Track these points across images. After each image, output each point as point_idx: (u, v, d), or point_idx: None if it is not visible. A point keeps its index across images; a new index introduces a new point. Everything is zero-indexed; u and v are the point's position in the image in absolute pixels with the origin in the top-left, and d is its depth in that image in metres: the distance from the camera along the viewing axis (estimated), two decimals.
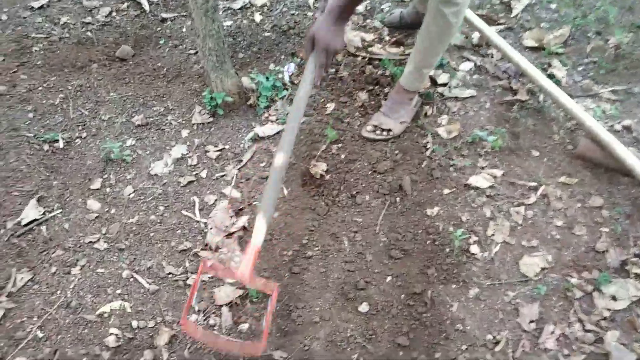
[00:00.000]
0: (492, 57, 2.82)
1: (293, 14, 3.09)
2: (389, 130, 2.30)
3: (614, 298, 1.80)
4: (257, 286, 1.46)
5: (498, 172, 2.20)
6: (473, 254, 1.95)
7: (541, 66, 2.73)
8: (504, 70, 2.72)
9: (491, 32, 2.61)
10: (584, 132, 2.30)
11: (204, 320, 1.77)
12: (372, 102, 2.49)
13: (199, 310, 1.79)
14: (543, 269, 1.91)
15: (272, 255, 1.96)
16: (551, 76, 2.65)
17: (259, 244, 1.45)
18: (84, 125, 2.40)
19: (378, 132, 2.31)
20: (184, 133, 2.39)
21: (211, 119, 2.45)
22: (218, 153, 2.30)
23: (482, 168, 2.23)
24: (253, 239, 1.45)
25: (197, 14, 2.21)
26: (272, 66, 2.72)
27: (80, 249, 1.97)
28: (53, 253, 1.95)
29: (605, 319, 1.77)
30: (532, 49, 2.86)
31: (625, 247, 1.94)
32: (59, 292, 1.85)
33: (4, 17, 2.95)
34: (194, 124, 2.44)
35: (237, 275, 1.43)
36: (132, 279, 1.90)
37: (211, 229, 2.02)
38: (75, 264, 1.93)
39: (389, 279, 1.90)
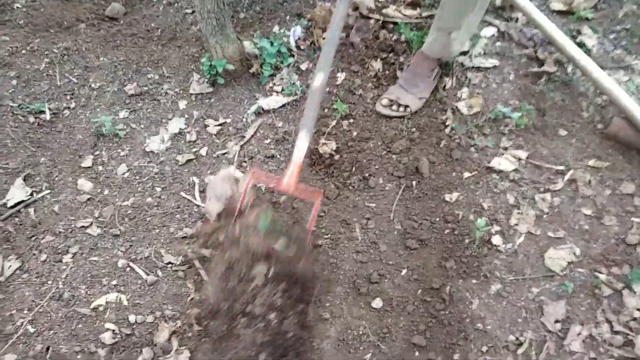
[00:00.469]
0: (516, 21, 2.58)
1: None
2: (407, 106, 2.11)
3: None
4: (302, 193, 1.55)
5: (523, 154, 2.03)
6: (495, 245, 1.81)
7: (570, 33, 2.51)
8: (529, 38, 2.50)
9: None
10: (616, 110, 2.12)
11: None
12: (387, 72, 2.28)
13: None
14: (570, 263, 1.78)
15: None
16: (580, 45, 2.43)
17: (301, 159, 1.53)
18: (73, 94, 2.20)
19: (394, 107, 2.12)
20: (181, 104, 2.20)
21: (211, 89, 2.25)
22: (219, 128, 2.12)
23: (506, 149, 2.06)
24: (295, 154, 1.53)
25: None
26: (276, 29, 2.48)
27: (71, 234, 1.82)
28: (42, 239, 1.80)
29: (635, 319, 1.65)
30: (560, 13, 2.62)
31: None
32: (50, 282, 1.72)
33: None
34: (192, 94, 2.24)
35: (282, 185, 1.52)
36: (128, 269, 1.76)
37: (209, 199, 1.84)
38: (67, 251, 1.79)
39: (404, 271, 1.77)
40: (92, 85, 2.24)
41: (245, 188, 1.61)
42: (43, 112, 2.11)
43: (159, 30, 2.49)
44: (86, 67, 2.30)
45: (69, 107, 2.16)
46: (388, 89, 2.19)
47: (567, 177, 1.97)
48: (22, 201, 1.87)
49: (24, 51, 2.33)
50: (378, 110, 2.14)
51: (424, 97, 2.14)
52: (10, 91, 2.17)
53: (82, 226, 1.84)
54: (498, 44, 2.44)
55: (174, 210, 1.90)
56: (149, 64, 2.34)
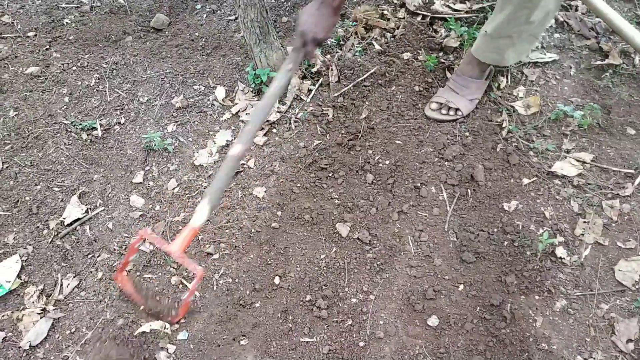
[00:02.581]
0: (576, 10, 2.41)
1: None
2: (457, 109, 2.01)
3: None
4: (185, 263, 1.49)
5: (587, 157, 1.90)
6: (559, 257, 1.70)
7: (636, 19, 2.32)
8: (590, 27, 2.32)
9: None
10: None
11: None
12: (437, 73, 2.18)
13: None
14: None
15: (321, 254, 1.78)
16: None
17: (197, 226, 1.46)
18: (122, 109, 2.23)
19: (444, 111, 2.02)
20: (227, 115, 2.19)
21: (256, 98, 2.22)
22: (266, 139, 2.09)
23: (568, 151, 1.92)
24: (192, 220, 1.46)
25: None
26: None
27: (125, 251, 1.85)
28: (98, 256, 1.84)
29: None
30: None
31: None
32: (106, 299, 1.75)
33: None
34: (237, 104, 2.22)
35: (168, 248, 1.46)
36: (181, 286, 1.77)
37: None
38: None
39: (461, 287, 1.69)
40: (141, 99, 2.26)
41: (131, 247, 1.58)
42: (95, 128, 2.16)
43: (203, 39, 2.49)
44: (134, 81, 2.33)
45: (119, 123, 2.19)
46: (437, 91, 2.10)
47: (637, 181, 1.83)
48: (79, 219, 1.91)
49: (74, 67, 2.39)
50: (427, 114, 2.05)
51: (476, 99, 2.03)
52: (63, 108, 2.23)
53: None
54: (556, 35, 2.29)
55: (223, 225, 1.90)
56: (194, 74, 2.34)
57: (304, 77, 2.21)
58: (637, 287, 1.63)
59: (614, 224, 1.76)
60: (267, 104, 1.50)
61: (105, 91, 2.30)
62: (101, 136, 2.14)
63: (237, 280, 1.75)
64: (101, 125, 2.17)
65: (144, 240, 1.73)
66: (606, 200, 1.80)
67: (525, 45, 1.86)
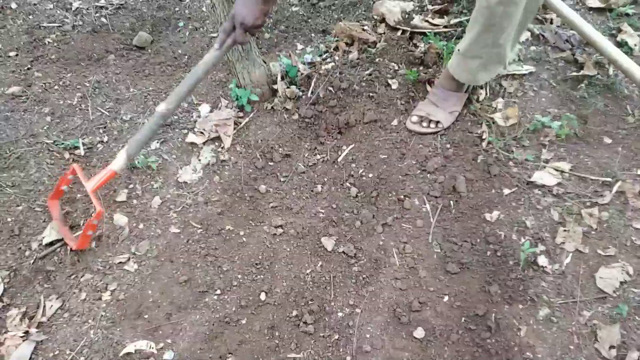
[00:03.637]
0: (551, 22, 2.47)
1: None
2: (437, 122, 2.04)
3: None
4: (93, 199, 1.73)
5: (565, 166, 1.94)
6: (541, 266, 1.73)
7: (609, 31, 2.38)
8: (566, 39, 2.39)
9: None
10: None
11: None
12: (418, 86, 2.22)
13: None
14: (623, 282, 1.68)
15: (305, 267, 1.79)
16: (621, 44, 2.31)
17: (114, 169, 1.71)
18: (105, 127, 2.23)
19: (425, 124, 2.05)
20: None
21: (241, 114, 2.23)
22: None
23: (547, 161, 1.96)
24: (112, 164, 1.72)
25: None
26: (299, 46, 2.46)
27: (109, 271, 1.83)
28: (82, 277, 1.82)
29: None
30: (598, 10, 2.51)
31: None
32: (90, 320, 1.73)
33: (14, 5, 2.74)
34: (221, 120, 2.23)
35: (86, 183, 1.74)
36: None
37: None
38: (106, 288, 1.80)
39: (446, 298, 1.70)
40: (124, 117, 2.26)
41: (62, 177, 1.88)
42: (77, 147, 2.15)
43: (186, 56, 2.50)
44: (117, 99, 2.33)
45: (102, 141, 2.18)
46: (418, 104, 2.13)
47: (614, 188, 1.87)
48: (61, 239, 1.89)
49: (56, 87, 2.38)
50: (409, 127, 2.07)
51: (455, 111, 2.06)
52: (45, 128, 2.22)
53: (120, 262, 1.85)
54: (533, 48, 2.34)
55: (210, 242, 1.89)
56: None
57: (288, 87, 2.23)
58: (617, 293, 1.66)
59: (593, 232, 1.79)
60: (194, 73, 1.69)
61: (87, 110, 2.29)
62: (84, 155, 2.13)
63: (222, 298, 1.75)
64: (84, 144, 2.16)
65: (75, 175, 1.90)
66: (585, 208, 1.84)
67: (496, 66, 1.90)
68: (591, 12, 2.50)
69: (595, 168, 1.94)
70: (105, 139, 2.19)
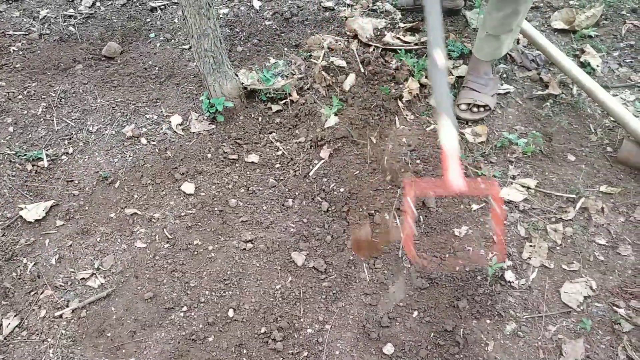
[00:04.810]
0: (517, 42, 2.54)
1: None
2: (485, 105, 2.15)
3: None
4: (478, 189, 1.33)
5: (532, 182, 1.98)
6: (508, 281, 1.75)
7: (573, 52, 2.46)
8: (532, 59, 2.46)
9: None
10: (625, 132, 2.06)
11: None
12: (390, 102, 2.24)
13: None
14: (586, 297, 1.71)
15: (271, 286, 1.77)
16: (584, 64, 2.39)
17: (456, 150, 1.29)
18: (70, 139, 2.17)
19: (474, 109, 2.17)
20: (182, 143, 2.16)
21: (212, 126, 2.21)
22: None
23: (514, 177, 2.00)
24: (446, 145, 1.29)
25: (189, 11, 1.94)
26: (272, 60, 2.46)
27: (71, 287, 1.77)
28: (42, 294, 1.76)
29: None
30: (562, 31, 2.59)
31: None
32: (49, 339, 1.66)
33: None
34: (193, 133, 2.21)
35: (449, 186, 1.24)
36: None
37: None
38: (67, 305, 1.73)
39: (415, 314, 1.70)
40: (90, 128, 2.21)
41: (409, 209, 1.45)
42: (40, 159, 2.08)
43: (157, 68, 2.47)
44: (84, 109, 2.28)
45: (67, 153, 2.13)
46: (459, 93, 2.22)
47: (578, 205, 1.91)
48: (14, 255, 1.82)
49: (20, 96, 2.31)
50: (461, 116, 2.18)
51: (495, 94, 2.21)
52: (7, 138, 2.15)
53: (83, 278, 1.79)
54: (501, 67, 2.40)
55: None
56: (147, 103, 2.31)
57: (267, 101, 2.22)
58: (581, 308, 1.70)
59: (558, 247, 1.83)
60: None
61: (52, 120, 2.23)
62: (47, 167, 2.07)
63: (189, 314, 1.71)
64: (47, 155, 2.10)
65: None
66: (550, 224, 1.87)
67: (514, 36, 2.11)
68: (556, 33, 2.58)
69: (559, 184, 1.98)
70: (71, 150, 2.14)
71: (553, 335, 1.65)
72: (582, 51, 2.45)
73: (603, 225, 1.87)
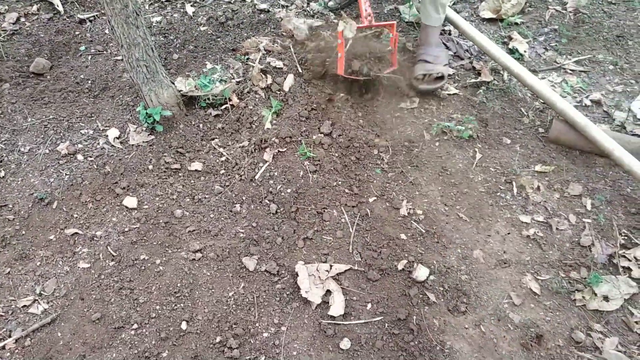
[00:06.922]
0: (450, 34, 2.62)
1: (229, 2, 2.78)
2: (441, 76, 2.21)
3: (605, 298, 1.70)
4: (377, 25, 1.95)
5: None
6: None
7: (502, 40, 2.56)
8: (466, 49, 2.54)
9: None
10: (554, 113, 2.16)
11: None
12: (324, 99, 2.26)
13: None
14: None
15: (224, 289, 1.75)
16: (513, 50, 2.49)
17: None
18: (1, 161, 2.07)
19: (430, 79, 2.22)
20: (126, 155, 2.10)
21: (152, 137, 2.16)
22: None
23: None
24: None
25: (116, 21, 1.89)
26: (209, 66, 2.43)
27: (12, 316, 1.69)
28: None
29: (600, 322, 1.67)
30: (490, 20, 2.69)
31: (610, 239, 1.84)
32: None
33: None
34: (132, 145, 2.15)
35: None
36: None
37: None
38: (9, 335, 1.65)
39: (369, 306, 1.73)
40: (22, 149, 2.11)
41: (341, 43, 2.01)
42: None
43: (89, 81, 2.39)
44: (14, 130, 2.18)
45: None
46: (414, 67, 2.26)
47: (514, 189, 1.99)
48: None
49: None
50: (420, 88, 2.23)
51: (447, 64, 2.30)
52: None
53: (24, 305, 1.71)
54: None
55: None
56: (81, 118, 2.23)
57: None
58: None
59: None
60: None
61: None
62: None
63: (140, 332, 1.66)
64: None
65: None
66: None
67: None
68: (484, 22, 2.67)
69: (498, 167, 2.06)
70: (2, 173, 2.04)
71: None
72: (510, 38, 2.56)
73: (540, 202, 1.95)
